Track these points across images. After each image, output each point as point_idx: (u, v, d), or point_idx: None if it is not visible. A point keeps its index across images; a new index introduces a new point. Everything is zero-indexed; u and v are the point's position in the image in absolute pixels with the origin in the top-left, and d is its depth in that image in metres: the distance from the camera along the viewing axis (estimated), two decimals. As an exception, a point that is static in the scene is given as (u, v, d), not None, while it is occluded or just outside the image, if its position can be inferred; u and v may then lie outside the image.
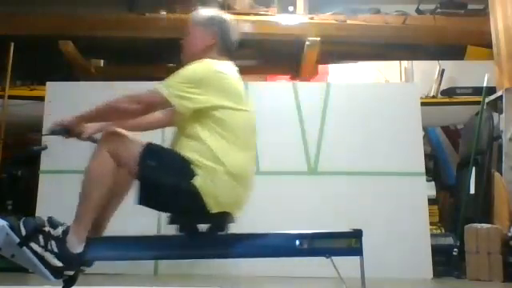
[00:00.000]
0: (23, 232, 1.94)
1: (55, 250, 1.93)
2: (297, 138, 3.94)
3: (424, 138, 4.35)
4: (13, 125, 4.35)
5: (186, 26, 2.32)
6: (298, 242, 2.08)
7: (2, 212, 3.96)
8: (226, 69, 2.12)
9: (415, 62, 5.06)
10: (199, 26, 2.26)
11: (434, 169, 4.89)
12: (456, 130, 5.08)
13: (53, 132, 2.13)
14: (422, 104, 4.08)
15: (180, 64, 2.23)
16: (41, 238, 1.95)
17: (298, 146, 3.93)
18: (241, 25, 5.04)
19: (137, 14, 5.29)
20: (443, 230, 4.16)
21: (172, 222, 2.05)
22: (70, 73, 5.10)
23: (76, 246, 1.95)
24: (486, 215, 3.92)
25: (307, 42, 4.81)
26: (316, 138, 3.93)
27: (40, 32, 4.90)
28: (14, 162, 4.64)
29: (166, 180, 1.95)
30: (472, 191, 4.12)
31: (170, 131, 3.60)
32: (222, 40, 2.22)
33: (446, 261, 3.77)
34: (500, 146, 4.11)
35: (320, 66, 5.14)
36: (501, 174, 3.96)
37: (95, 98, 4.13)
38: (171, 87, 1.99)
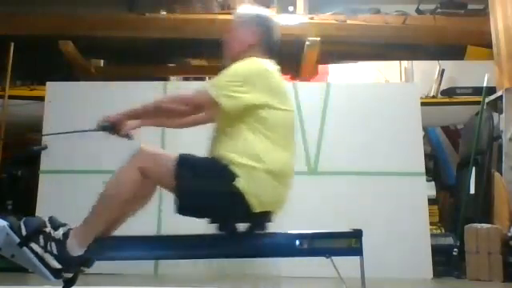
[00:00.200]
0: (24, 232, 1.94)
1: (54, 251, 1.93)
2: (297, 138, 3.91)
3: (424, 138, 4.35)
4: (13, 125, 4.34)
5: (230, 23, 2.31)
6: (297, 242, 2.07)
7: (2, 212, 3.95)
8: (272, 67, 2.12)
9: (415, 62, 5.06)
10: (243, 24, 2.23)
11: (434, 169, 4.89)
12: (456, 130, 5.08)
13: (103, 128, 2.10)
14: (422, 104, 4.08)
15: (221, 62, 2.23)
16: (41, 238, 1.95)
17: (298, 146, 3.91)
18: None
19: (137, 13, 5.29)
20: (443, 230, 4.16)
21: (213, 221, 2.05)
22: (70, 73, 5.10)
23: (76, 249, 1.94)
24: (486, 215, 3.92)
25: (307, 42, 4.81)
26: (316, 138, 3.93)
27: (40, 32, 4.90)
28: (14, 161, 4.64)
29: (207, 187, 1.93)
30: (472, 191, 4.12)
31: (170, 133, 3.59)
32: (265, 39, 2.20)
33: (446, 261, 3.77)
34: (500, 146, 4.11)
35: (320, 66, 5.14)
36: (501, 174, 3.95)
37: (95, 98, 4.16)
38: (219, 87, 1.98)
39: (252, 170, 1.95)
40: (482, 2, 5.01)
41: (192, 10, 5.35)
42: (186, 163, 1.96)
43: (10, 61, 4.39)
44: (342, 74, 5.06)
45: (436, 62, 4.90)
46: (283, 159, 2.04)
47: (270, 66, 2.11)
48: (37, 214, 3.45)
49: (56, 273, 1.95)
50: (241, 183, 1.93)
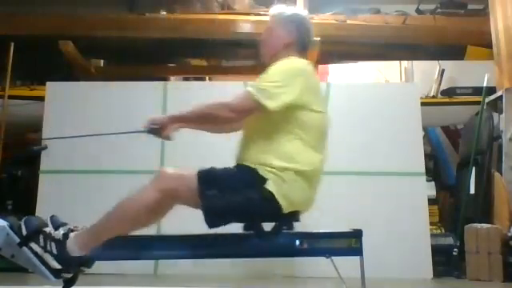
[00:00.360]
0: (24, 231, 1.94)
1: (54, 251, 1.93)
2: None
3: (424, 138, 4.35)
4: (13, 125, 4.34)
5: (266, 23, 2.31)
6: (297, 242, 2.08)
7: (2, 212, 3.95)
8: (310, 67, 2.12)
9: (415, 62, 5.06)
10: (279, 23, 2.23)
11: (434, 169, 4.89)
12: (456, 130, 5.08)
13: (151, 131, 2.07)
14: (422, 104, 4.07)
15: (258, 62, 2.22)
16: (41, 238, 1.95)
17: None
18: (241, 25, 5.06)
19: (137, 14, 5.29)
20: (443, 230, 4.16)
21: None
22: (70, 73, 5.10)
23: (76, 251, 1.94)
24: (486, 215, 3.92)
25: (307, 42, 4.80)
26: (316, 138, 3.92)
27: (40, 32, 4.90)
28: (14, 161, 4.64)
29: (235, 198, 1.93)
30: (472, 191, 4.12)
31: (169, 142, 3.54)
32: (300, 37, 2.20)
33: (446, 261, 3.77)
34: (500, 146, 4.11)
35: (320, 66, 5.14)
36: (501, 174, 3.95)
37: (95, 98, 4.16)
38: (263, 90, 1.96)
39: (283, 172, 1.95)
40: (481, 1, 5.01)
41: (192, 10, 5.35)
42: (207, 179, 1.95)
43: (10, 61, 4.38)
44: (342, 74, 5.06)
45: (436, 62, 4.90)
46: (315, 161, 2.05)
47: (309, 66, 2.11)
48: (37, 214, 3.45)
49: (56, 273, 1.94)
50: (272, 186, 1.94)
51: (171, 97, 4.01)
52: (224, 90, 4.09)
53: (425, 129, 4.58)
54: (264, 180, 1.94)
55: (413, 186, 3.82)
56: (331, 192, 3.78)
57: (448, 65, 4.87)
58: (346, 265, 2.03)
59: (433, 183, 4.43)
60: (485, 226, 3.63)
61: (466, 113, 4.58)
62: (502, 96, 4.13)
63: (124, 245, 2.08)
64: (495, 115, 4.27)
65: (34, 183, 3.92)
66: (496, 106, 4.28)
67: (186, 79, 5.89)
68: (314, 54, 4.96)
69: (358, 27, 5.07)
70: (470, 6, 5.35)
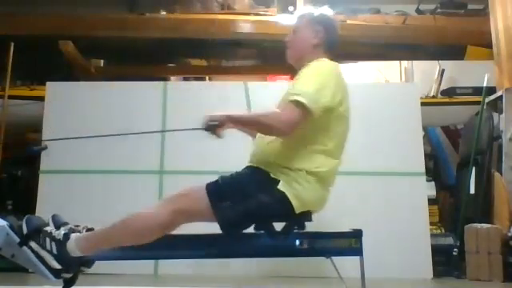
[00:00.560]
0: (25, 230, 1.94)
1: (54, 251, 1.93)
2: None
3: (424, 138, 4.34)
4: (13, 125, 4.34)
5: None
6: (297, 242, 2.08)
7: (2, 212, 3.95)
8: (340, 70, 2.13)
9: (415, 62, 5.06)
10: (307, 25, 2.23)
11: (434, 169, 4.89)
12: (456, 130, 5.08)
13: (207, 128, 2.07)
14: (422, 104, 4.07)
15: (285, 63, 2.23)
16: (42, 237, 1.95)
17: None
18: (241, 25, 5.06)
19: (137, 14, 5.29)
20: (443, 230, 4.16)
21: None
22: (70, 73, 5.10)
23: (76, 252, 1.95)
24: (486, 215, 3.91)
25: (307, 42, 4.80)
26: (316, 138, 3.92)
27: (40, 32, 4.90)
28: (14, 161, 4.64)
29: (249, 204, 1.94)
30: (472, 191, 4.11)
31: (170, 137, 3.57)
32: (328, 38, 2.21)
33: (446, 261, 3.76)
34: (500, 146, 4.11)
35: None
36: (501, 174, 3.95)
37: (95, 98, 4.16)
38: (310, 96, 1.94)
39: (295, 172, 1.96)
40: (482, 1, 5.01)
41: (192, 10, 5.35)
42: (216, 191, 1.96)
43: (10, 61, 4.38)
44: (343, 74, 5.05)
45: (436, 62, 4.90)
46: (330, 164, 2.05)
47: (339, 68, 2.12)
48: (37, 214, 3.45)
49: (56, 273, 1.95)
50: (284, 186, 1.95)
51: (171, 97, 4.00)
52: (224, 90, 4.10)
53: (425, 129, 4.58)
54: (276, 182, 1.95)
55: (413, 186, 3.81)
56: (332, 192, 3.79)
57: (448, 65, 4.86)
58: (346, 265, 2.03)
59: (433, 183, 4.42)
60: (485, 225, 3.63)
61: (466, 113, 4.58)
62: (501, 96, 4.13)
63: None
64: (495, 115, 4.27)
65: (34, 183, 3.92)
66: (496, 105, 4.28)
67: (185, 79, 5.90)
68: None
69: (358, 27, 5.06)
70: (470, 6, 5.35)
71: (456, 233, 3.89)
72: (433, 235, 3.82)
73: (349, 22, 5.05)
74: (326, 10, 2.26)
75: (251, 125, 2.10)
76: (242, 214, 1.94)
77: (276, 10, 5.10)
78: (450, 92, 4.77)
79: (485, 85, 4.25)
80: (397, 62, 5.11)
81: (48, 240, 1.94)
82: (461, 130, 4.92)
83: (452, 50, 5.15)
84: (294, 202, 1.94)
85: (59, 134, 3.81)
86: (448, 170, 4.93)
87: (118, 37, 5.11)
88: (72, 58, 5.03)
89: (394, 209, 3.72)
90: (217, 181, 2.01)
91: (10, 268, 2.95)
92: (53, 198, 3.69)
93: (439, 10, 5.28)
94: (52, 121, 3.94)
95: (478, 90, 4.44)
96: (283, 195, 1.94)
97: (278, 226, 2.11)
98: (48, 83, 4.14)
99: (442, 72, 4.80)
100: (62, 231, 1.96)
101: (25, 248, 1.92)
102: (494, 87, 4.29)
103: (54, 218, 2.03)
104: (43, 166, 3.88)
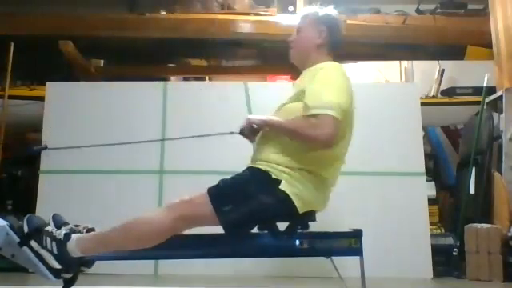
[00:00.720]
0: (26, 229, 1.94)
1: (55, 251, 1.93)
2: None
3: (424, 138, 4.34)
4: (13, 125, 4.34)
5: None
6: (297, 242, 2.08)
7: (2, 212, 3.95)
8: (346, 71, 2.12)
9: (415, 62, 5.06)
10: (310, 24, 2.22)
11: (434, 169, 4.89)
12: (456, 130, 5.08)
13: (245, 131, 2.10)
14: (422, 104, 4.07)
15: (288, 63, 2.24)
16: (42, 237, 1.95)
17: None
18: (241, 25, 5.06)
19: (137, 14, 5.29)
20: (443, 230, 4.16)
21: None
22: (70, 73, 5.10)
23: (77, 253, 1.95)
24: (486, 215, 3.91)
25: (307, 42, 4.80)
26: (316, 138, 3.92)
27: (40, 32, 4.90)
28: (13, 161, 4.64)
29: (252, 205, 1.94)
30: (472, 191, 4.11)
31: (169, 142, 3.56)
32: (332, 38, 2.20)
33: (446, 261, 3.76)
34: (500, 146, 4.11)
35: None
36: (501, 174, 3.95)
37: (95, 98, 4.16)
38: (333, 104, 1.94)
39: (297, 172, 1.96)
40: (482, 1, 5.01)
41: (192, 10, 5.35)
42: (218, 195, 1.96)
43: (10, 61, 4.38)
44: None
45: (436, 61, 4.90)
46: (333, 164, 2.07)
47: (345, 70, 2.12)
48: (37, 214, 3.45)
49: (56, 273, 1.95)
50: (286, 186, 1.95)
51: (171, 97, 4.00)
52: (224, 90, 4.10)
53: (425, 129, 4.58)
54: (278, 182, 1.95)
55: (413, 186, 3.81)
56: (331, 192, 3.79)
57: (448, 65, 4.87)
58: (346, 265, 2.03)
59: (433, 183, 4.42)
60: (485, 225, 3.63)
61: (466, 113, 4.58)
62: (501, 96, 4.13)
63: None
64: (495, 115, 4.27)
65: (34, 183, 3.92)
66: (496, 105, 4.28)
67: (185, 79, 5.90)
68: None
69: (358, 27, 5.06)
70: (470, 6, 5.35)
71: (456, 233, 3.89)
72: (433, 235, 3.82)
73: (349, 22, 5.04)
74: (331, 10, 2.25)
75: (288, 133, 2.04)
76: (245, 216, 1.93)
77: (276, 10, 5.10)
78: (450, 92, 4.77)
79: (485, 85, 4.25)
80: (397, 62, 5.11)
81: (49, 240, 1.94)
82: (461, 130, 4.92)
83: (452, 50, 5.15)
84: (297, 202, 1.95)
85: (59, 133, 3.82)
86: (448, 170, 4.93)
87: (118, 37, 5.11)
88: (72, 58, 5.03)
89: (394, 209, 3.72)
90: (218, 184, 2.01)
91: (10, 268, 2.95)
92: (53, 198, 3.69)
93: (439, 10, 5.28)
94: (52, 121, 3.94)
95: (477, 90, 4.44)
96: (285, 195, 1.94)
97: (282, 226, 2.11)
98: (48, 83, 4.14)
99: (442, 72, 4.80)
100: (63, 231, 1.96)
101: (25, 248, 1.92)
102: (494, 87, 4.29)
103: (54, 217, 2.03)
104: (43, 166, 3.88)
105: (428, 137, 4.95)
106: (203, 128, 3.76)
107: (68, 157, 3.75)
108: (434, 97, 4.75)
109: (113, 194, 3.72)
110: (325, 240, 2.14)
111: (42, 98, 4.11)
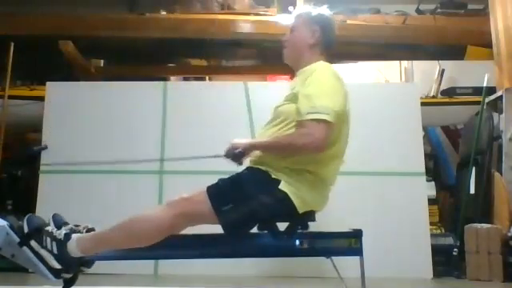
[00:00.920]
0: (26, 229, 1.94)
1: (55, 251, 1.93)
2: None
3: (424, 137, 4.34)
4: (13, 125, 4.34)
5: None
6: (297, 242, 2.08)
7: (2, 212, 3.95)
8: (339, 73, 2.12)
9: (415, 62, 5.05)
10: (304, 24, 2.22)
11: (434, 169, 4.89)
12: (456, 130, 5.08)
13: (234, 156, 2.06)
14: (422, 104, 4.07)
15: (282, 62, 2.23)
16: (42, 236, 1.95)
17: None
18: (241, 25, 5.06)
19: (137, 14, 5.29)
20: (443, 230, 4.16)
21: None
22: (70, 73, 5.10)
23: (77, 253, 1.95)
24: (486, 215, 3.91)
25: (307, 42, 4.80)
26: (316, 138, 3.92)
27: (40, 32, 4.90)
28: (13, 161, 4.64)
29: (252, 205, 1.94)
30: (472, 191, 4.11)
31: (170, 137, 3.59)
32: (325, 38, 2.20)
33: (446, 261, 3.76)
34: (500, 146, 4.11)
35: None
36: (501, 174, 3.95)
37: (95, 98, 4.16)
38: (326, 108, 1.93)
39: (296, 172, 1.96)
40: (482, 1, 5.01)
41: (192, 10, 5.35)
42: (218, 194, 1.96)
43: (10, 61, 4.38)
44: (342, 74, 5.05)
45: (436, 61, 4.89)
46: (333, 168, 2.07)
47: (338, 72, 2.12)
48: (37, 214, 3.45)
49: (56, 273, 1.95)
50: (285, 186, 1.95)
51: (171, 97, 4.00)
52: (224, 90, 4.10)
53: (425, 129, 4.58)
54: (277, 182, 1.95)
55: (413, 186, 3.81)
56: (331, 192, 3.79)
57: (448, 65, 4.86)
58: (346, 265, 2.03)
59: (433, 183, 4.42)
60: (485, 225, 3.63)
61: (466, 113, 4.58)
62: (501, 96, 4.13)
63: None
64: (495, 115, 4.27)
65: (34, 183, 3.92)
66: (496, 105, 4.28)
67: (185, 79, 5.90)
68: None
69: (358, 27, 5.06)
70: (470, 6, 5.35)
71: (456, 233, 3.89)
72: (433, 235, 3.82)
73: (349, 21, 5.05)
74: (324, 10, 2.25)
75: (277, 151, 2.03)
76: (244, 216, 1.94)
77: (276, 10, 5.10)
78: (450, 92, 4.77)
79: (485, 85, 4.25)
80: (397, 62, 5.11)
81: (49, 239, 1.94)
82: (461, 130, 4.92)
83: (452, 50, 5.15)
84: (296, 202, 1.94)
85: (59, 133, 3.82)
86: (448, 170, 4.93)
87: (118, 37, 5.11)
88: (72, 58, 5.03)
89: (394, 209, 3.72)
90: (217, 183, 2.01)
91: (10, 268, 2.95)
92: (53, 198, 3.69)
93: (439, 10, 5.28)
94: (52, 121, 3.94)
95: (477, 90, 4.44)
96: (285, 195, 1.94)
97: (282, 226, 2.11)
98: (48, 83, 4.14)
99: (442, 72, 4.80)
100: (63, 231, 1.96)
101: (25, 248, 1.92)
102: (494, 87, 4.29)
103: (54, 217, 2.02)
104: (43, 166, 3.88)
105: (428, 137, 4.95)
106: (203, 128, 3.79)
107: (68, 157, 3.75)
108: (434, 97, 4.75)
109: (113, 194, 3.72)
110: (325, 240, 2.14)
111: (42, 98, 4.11)
